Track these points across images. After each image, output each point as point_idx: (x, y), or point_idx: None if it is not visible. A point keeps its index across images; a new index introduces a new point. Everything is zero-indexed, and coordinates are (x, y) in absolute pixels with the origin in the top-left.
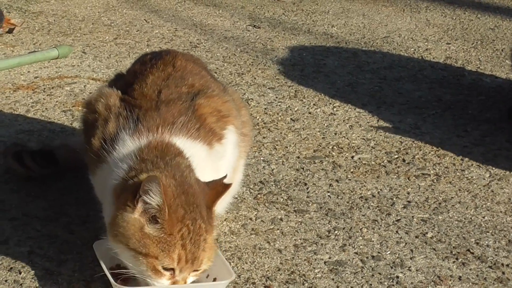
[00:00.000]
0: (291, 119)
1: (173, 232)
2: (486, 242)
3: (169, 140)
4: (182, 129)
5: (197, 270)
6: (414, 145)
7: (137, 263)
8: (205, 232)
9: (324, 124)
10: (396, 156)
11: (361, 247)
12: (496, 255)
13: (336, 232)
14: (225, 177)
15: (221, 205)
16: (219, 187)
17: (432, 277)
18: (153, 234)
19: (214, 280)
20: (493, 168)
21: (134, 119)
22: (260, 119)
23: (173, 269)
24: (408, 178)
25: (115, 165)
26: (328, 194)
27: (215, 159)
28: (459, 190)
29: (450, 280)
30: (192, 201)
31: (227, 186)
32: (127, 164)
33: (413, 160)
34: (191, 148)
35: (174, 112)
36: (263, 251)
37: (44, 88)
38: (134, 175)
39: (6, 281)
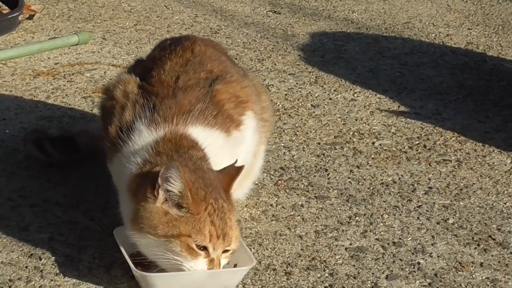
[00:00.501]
0: (311, 105)
1: (199, 211)
2: (508, 228)
3: (184, 132)
4: (199, 117)
5: (227, 251)
6: (435, 131)
7: (170, 246)
8: (228, 211)
9: (344, 110)
10: (417, 142)
11: (382, 233)
12: None
13: (357, 218)
14: (235, 162)
15: (242, 191)
16: (232, 170)
17: (453, 263)
18: (180, 215)
19: (235, 266)
20: None
21: (150, 108)
22: (280, 105)
23: (206, 248)
24: (429, 164)
25: (130, 157)
26: (349, 180)
27: (233, 146)
28: (481, 176)
29: (472, 266)
30: (209, 184)
31: (240, 168)
32: (142, 157)
33: (434, 146)
34: (208, 137)
35: (191, 99)
36: (284, 237)
37: (64, 75)
38: (148, 169)
39: (26, 267)
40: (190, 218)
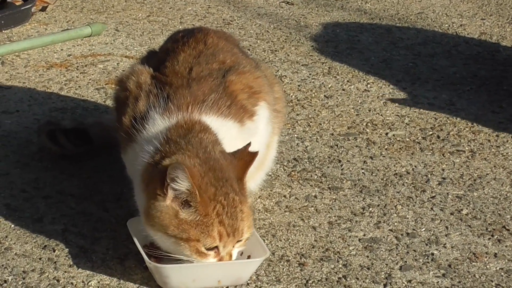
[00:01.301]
0: (324, 96)
1: (208, 212)
2: None
3: (198, 118)
4: (212, 107)
5: (240, 241)
6: (448, 121)
7: (180, 248)
8: (240, 204)
9: (358, 101)
10: (431, 132)
11: (395, 224)
12: None
13: (370, 209)
14: (249, 145)
15: (255, 182)
16: (246, 157)
17: (467, 254)
18: (189, 219)
19: (249, 257)
20: None
21: (164, 97)
22: (293, 96)
23: (216, 247)
24: (443, 155)
25: (144, 145)
26: (362, 171)
27: (246, 137)
28: (494, 166)
29: (486, 257)
30: (220, 176)
31: (254, 154)
32: (154, 146)
33: (447, 137)
34: (222, 126)
35: (205, 89)
36: (297, 228)
37: (77, 66)
38: (159, 159)
39: (40, 259)
40: (199, 221)
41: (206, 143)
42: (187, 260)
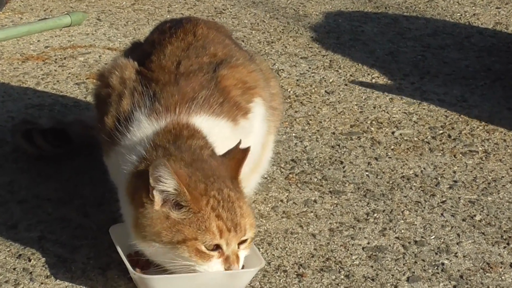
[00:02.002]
0: (325, 91)
1: (201, 207)
2: None
3: (186, 121)
4: (203, 106)
5: (244, 242)
6: (460, 119)
7: (178, 253)
8: (237, 200)
9: (361, 97)
10: (441, 131)
11: (402, 231)
12: None
13: (375, 215)
14: (240, 143)
15: (249, 185)
16: (238, 154)
17: (480, 264)
18: (181, 218)
19: (242, 267)
20: None
21: (150, 96)
22: (291, 92)
23: (219, 246)
24: (454, 156)
25: (127, 151)
26: (367, 173)
27: (241, 136)
28: (510, 168)
29: (501, 267)
30: (210, 174)
31: (246, 151)
32: (138, 154)
33: (459, 136)
34: (214, 127)
35: (195, 85)
36: (296, 236)
37: (56, 59)
38: (144, 167)
39: (14, 269)
40: (193, 218)
41: (194, 148)
42: (188, 267)
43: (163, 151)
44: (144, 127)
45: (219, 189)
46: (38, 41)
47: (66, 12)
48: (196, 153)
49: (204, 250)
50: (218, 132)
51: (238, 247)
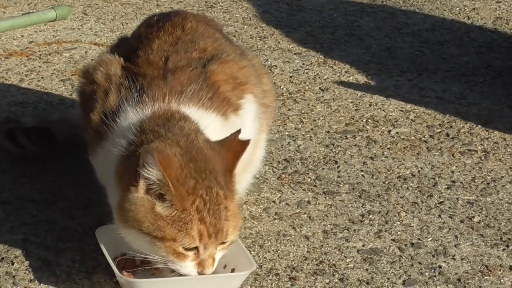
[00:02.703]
0: (319, 88)
1: (185, 206)
2: None
3: (176, 108)
4: (192, 98)
5: (224, 243)
6: (459, 117)
7: (154, 248)
8: (225, 199)
9: (357, 94)
10: (439, 130)
11: (399, 233)
12: None
13: (370, 216)
14: (239, 132)
15: (241, 186)
16: (236, 146)
17: (479, 267)
18: (165, 214)
19: (233, 271)
20: None
21: (137, 89)
22: (284, 89)
23: (196, 248)
24: (453, 155)
25: (116, 141)
26: (362, 173)
27: (231, 132)
28: (510, 168)
29: (500, 270)
30: (203, 168)
31: (245, 143)
32: (127, 138)
33: (458, 135)
34: (203, 119)
35: (183, 80)
36: (288, 238)
37: (40, 55)
38: (134, 149)
39: None
40: (175, 217)
41: (188, 131)
42: (164, 261)
43: (153, 133)
44: (131, 117)
45: (209, 187)
46: (22, 36)
47: (51, 6)
48: (191, 137)
49: (181, 251)
50: (208, 125)
51: (216, 249)
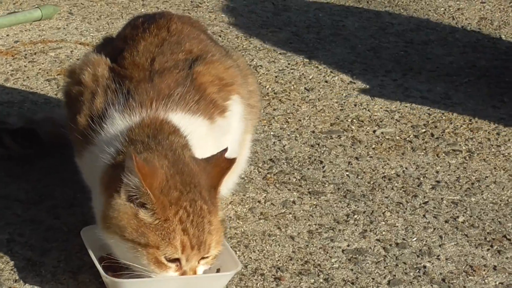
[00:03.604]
0: (305, 88)
1: (168, 216)
2: None
3: (164, 117)
4: (179, 103)
5: (206, 257)
6: (444, 117)
7: (137, 255)
8: (209, 214)
9: (342, 94)
10: (424, 130)
11: (383, 233)
12: None
13: (355, 216)
14: (226, 150)
15: (226, 186)
16: (222, 163)
17: (463, 267)
18: (148, 221)
19: (218, 271)
20: None
21: (124, 93)
22: (270, 89)
23: (178, 259)
24: (437, 155)
25: (103, 148)
26: (347, 173)
27: (218, 135)
28: (495, 168)
29: (484, 270)
30: (188, 181)
31: (231, 161)
32: (115, 147)
33: (442, 135)
34: (190, 124)
35: (170, 82)
36: (273, 238)
37: (26, 54)
38: (121, 159)
39: None
40: (158, 226)
41: (176, 147)
42: (145, 272)
43: (143, 145)
44: (118, 123)
45: (193, 200)
46: (7, 35)
47: (36, 6)
48: (178, 152)
49: (162, 260)
50: (194, 130)
51: (198, 263)
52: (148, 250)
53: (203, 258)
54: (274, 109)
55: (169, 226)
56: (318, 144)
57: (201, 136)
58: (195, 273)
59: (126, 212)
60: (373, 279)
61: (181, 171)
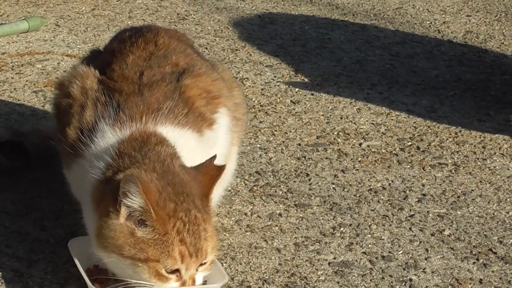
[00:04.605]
0: (291, 101)
1: (167, 230)
2: (511, 240)
3: (153, 130)
4: (168, 116)
5: (204, 264)
6: (429, 130)
7: (137, 271)
8: (203, 222)
9: (328, 107)
10: (410, 143)
11: (369, 246)
12: None
13: (341, 229)
14: (214, 157)
15: (217, 193)
16: (212, 171)
17: (449, 280)
18: (146, 238)
19: (205, 283)
20: None
21: (114, 106)
22: (256, 101)
23: (178, 270)
24: (423, 168)
25: (92, 161)
26: (333, 186)
27: (206, 148)
28: (480, 181)
29: (470, 283)
30: (181, 191)
31: (221, 168)
32: (105, 161)
33: (428, 148)
34: (179, 137)
35: (159, 96)
36: (260, 250)
37: (13, 66)
38: (112, 174)
39: None
40: (157, 240)
41: (164, 157)
42: (146, 285)
43: (130, 159)
44: (108, 137)
45: (187, 209)
46: None
47: (23, 17)
48: (167, 162)
49: (163, 273)
50: (183, 143)
51: (197, 270)
52: (148, 264)
53: (201, 264)
54: (260, 122)
55: (168, 239)
56: (304, 157)
57: (190, 148)
58: (194, 281)
59: (122, 232)
60: None
61: (172, 182)
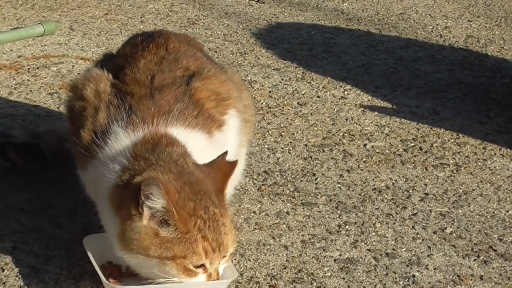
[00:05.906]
0: (298, 103)
1: (189, 228)
2: (510, 238)
3: (164, 131)
4: (179, 118)
5: (225, 256)
6: (432, 132)
7: (165, 268)
8: (221, 217)
9: (334, 109)
10: (413, 144)
11: (374, 243)
12: None
13: (347, 227)
14: (226, 153)
15: (232, 186)
16: (224, 167)
17: (451, 276)
18: (171, 237)
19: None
20: None
21: (126, 109)
22: (264, 103)
23: (203, 265)
24: (426, 168)
25: (107, 164)
26: (339, 185)
27: (216, 148)
28: (481, 181)
29: (471, 279)
30: (198, 189)
31: (233, 164)
32: (121, 164)
33: (431, 149)
34: (190, 138)
35: (170, 98)
36: (268, 247)
37: (29, 68)
38: (129, 177)
39: None
40: (181, 238)
41: (177, 157)
42: (173, 281)
43: (145, 161)
44: (122, 139)
45: (206, 207)
46: (11, 50)
47: (39, 22)
48: (180, 162)
49: (191, 268)
50: (193, 144)
51: (220, 263)
52: (176, 262)
53: (223, 257)
54: (268, 123)
55: (191, 236)
56: (311, 157)
57: (200, 149)
58: (217, 274)
59: (147, 233)
60: (364, 287)
61: (188, 181)
